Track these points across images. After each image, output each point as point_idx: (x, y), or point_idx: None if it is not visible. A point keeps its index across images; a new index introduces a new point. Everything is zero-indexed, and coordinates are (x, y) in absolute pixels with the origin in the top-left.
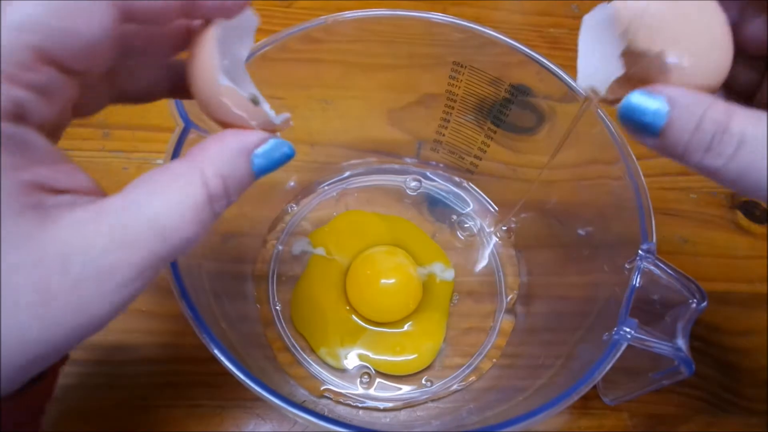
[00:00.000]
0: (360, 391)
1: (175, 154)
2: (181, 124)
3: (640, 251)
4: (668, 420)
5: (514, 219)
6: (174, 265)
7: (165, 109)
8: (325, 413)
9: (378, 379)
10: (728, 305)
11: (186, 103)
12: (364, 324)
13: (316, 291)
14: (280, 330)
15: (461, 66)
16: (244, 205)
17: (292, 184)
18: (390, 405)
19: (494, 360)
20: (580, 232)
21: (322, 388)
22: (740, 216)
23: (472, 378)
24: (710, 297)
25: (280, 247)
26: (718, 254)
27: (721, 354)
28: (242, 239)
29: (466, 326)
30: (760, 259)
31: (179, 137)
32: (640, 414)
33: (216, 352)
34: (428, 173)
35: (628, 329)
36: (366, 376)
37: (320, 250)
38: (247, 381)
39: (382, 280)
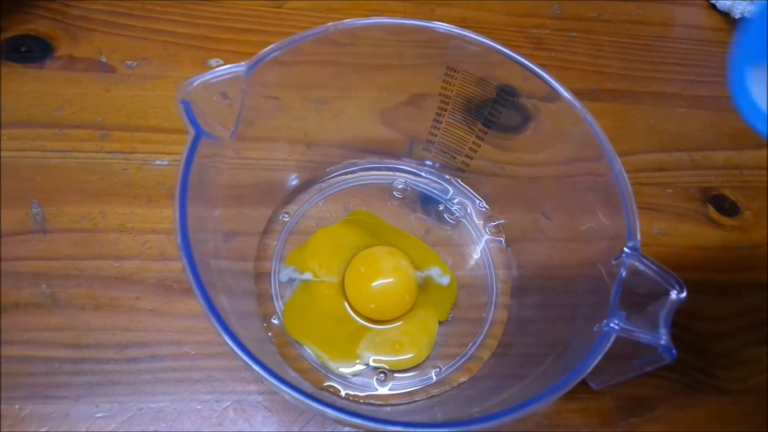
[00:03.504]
0: (370, 384)
1: (188, 163)
2: (192, 132)
3: (625, 249)
4: (647, 401)
5: (503, 215)
6: (191, 262)
7: (163, 110)
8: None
9: (387, 374)
10: (702, 293)
11: (195, 108)
12: (366, 323)
13: (311, 307)
14: (283, 326)
15: (454, 70)
16: (243, 204)
17: (290, 183)
18: (395, 398)
19: (490, 350)
20: (567, 227)
21: (325, 384)
22: (711, 210)
23: (469, 367)
24: (685, 286)
25: (279, 245)
26: (692, 246)
27: (696, 339)
28: (243, 238)
29: (461, 318)
30: (731, 250)
31: (191, 145)
32: (621, 397)
33: (233, 346)
34: (420, 172)
35: (616, 322)
36: (382, 374)
37: (308, 275)
38: (265, 374)
39: (385, 278)
